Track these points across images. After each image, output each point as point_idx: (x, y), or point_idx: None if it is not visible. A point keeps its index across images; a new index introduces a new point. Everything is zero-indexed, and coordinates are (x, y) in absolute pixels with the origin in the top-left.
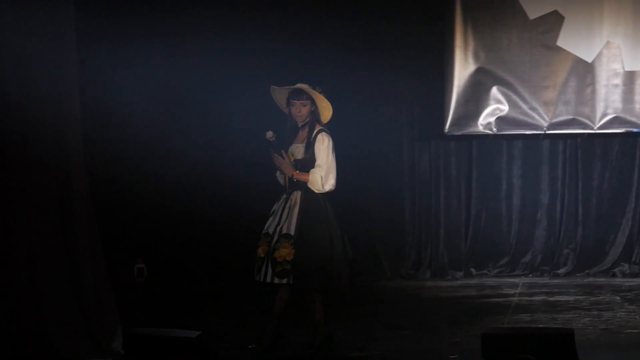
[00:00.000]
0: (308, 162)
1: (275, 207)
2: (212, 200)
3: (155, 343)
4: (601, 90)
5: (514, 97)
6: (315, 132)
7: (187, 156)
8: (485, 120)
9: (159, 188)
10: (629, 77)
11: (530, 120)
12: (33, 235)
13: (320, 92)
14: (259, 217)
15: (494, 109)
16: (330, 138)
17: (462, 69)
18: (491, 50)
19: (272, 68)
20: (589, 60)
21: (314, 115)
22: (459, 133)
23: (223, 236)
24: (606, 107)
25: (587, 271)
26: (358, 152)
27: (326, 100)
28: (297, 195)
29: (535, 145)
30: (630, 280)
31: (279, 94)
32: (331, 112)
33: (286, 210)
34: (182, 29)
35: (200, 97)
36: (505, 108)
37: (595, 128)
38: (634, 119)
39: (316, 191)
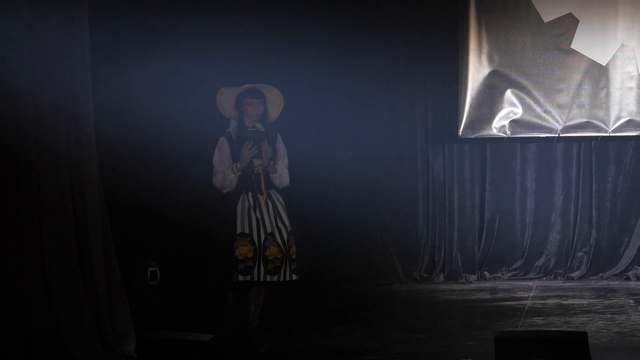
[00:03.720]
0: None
1: (253, 204)
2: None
3: (169, 346)
4: (615, 93)
5: (528, 100)
6: (271, 130)
7: (202, 158)
8: (499, 123)
9: (173, 190)
10: None
11: (544, 124)
12: (46, 238)
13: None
14: None
15: (508, 112)
16: None
17: (476, 72)
18: (505, 53)
19: (284, 71)
20: (604, 63)
21: (265, 113)
22: (473, 136)
23: None
24: (620, 110)
25: (600, 274)
26: (372, 155)
27: (280, 95)
28: (275, 192)
29: (549, 148)
30: None
31: (228, 96)
32: (281, 109)
33: (276, 207)
34: (195, 32)
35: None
36: (519, 111)
37: (609, 131)
38: None
39: (281, 186)
